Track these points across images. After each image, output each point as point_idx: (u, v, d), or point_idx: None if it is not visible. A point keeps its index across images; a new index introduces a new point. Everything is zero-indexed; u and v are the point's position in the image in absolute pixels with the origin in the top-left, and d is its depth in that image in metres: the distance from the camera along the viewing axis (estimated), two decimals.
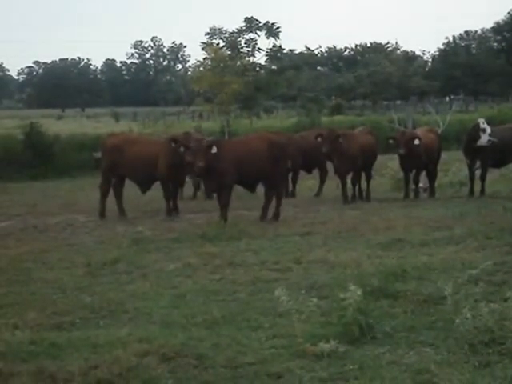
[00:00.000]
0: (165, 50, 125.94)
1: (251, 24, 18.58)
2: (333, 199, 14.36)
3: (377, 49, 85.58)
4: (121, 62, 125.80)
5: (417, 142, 13.81)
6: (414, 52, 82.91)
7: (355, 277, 6.97)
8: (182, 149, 11.71)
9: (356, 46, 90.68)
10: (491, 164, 14.48)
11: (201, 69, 19.49)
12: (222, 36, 18.76)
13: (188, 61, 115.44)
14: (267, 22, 18.59)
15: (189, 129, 17.54)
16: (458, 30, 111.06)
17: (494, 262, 7.35)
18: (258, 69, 19.50)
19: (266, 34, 18.58)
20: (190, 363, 5.22)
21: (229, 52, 18.79)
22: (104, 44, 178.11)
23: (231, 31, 18.76)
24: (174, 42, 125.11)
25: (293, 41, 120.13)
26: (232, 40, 18.67)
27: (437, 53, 78.76)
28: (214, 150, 11.10)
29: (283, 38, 18.79)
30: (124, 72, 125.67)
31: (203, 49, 18.85)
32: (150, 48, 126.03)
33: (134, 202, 13.79)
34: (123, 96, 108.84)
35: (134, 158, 12.65)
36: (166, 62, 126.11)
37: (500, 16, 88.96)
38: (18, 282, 7.94)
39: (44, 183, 20.00)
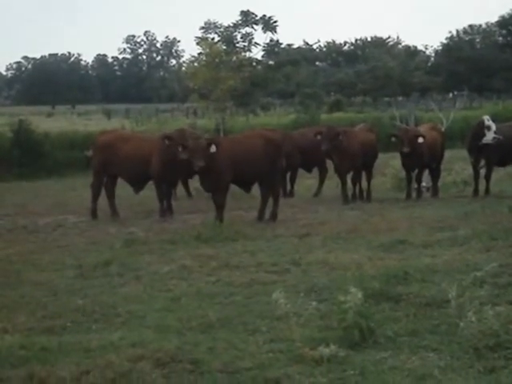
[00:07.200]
0: (158, 44, 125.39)
1: (247, 18, 18.39)
2: (332, 199, 14.21)
3: (377, 43, 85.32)
4: (112, 58, 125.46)
5: (421, 140, 13.61)
6: (416, 47, 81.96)
7: (356, 279, 6.86)
8: (180, 148, 11.26)
9: (356, 40, 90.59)
10: (496, 162, 14.27)
11: (195, 64, 19.26)
12: (218, 30, 18.57)
13: (182, 56, 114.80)
14: (264, 15, 18.45)
15: (183, 126, 17.33)
16: (462, 24, 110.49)
17: (500, 264, 7.26)
18: (254, 64, 19.30)
19: (262, 28, 18.40)
20: (185, 368, 5.13)
21: (224, 47, 18.59)
22: (95, 38, 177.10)
23: (227, 25, 18.59)
24: (167, 37, 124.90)
25: (290, 35, 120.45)
26: (227, 34, 18.46)
27: (440, 47, 77.75)
28: (213, 149, 10.86)
29: (280, 32, 18.61)
30: (116, 68, 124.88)
31: (198, 43, 18.66)
32: (142, 43, 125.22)
33: (127, 202, 13.64)
34: (115, 92, 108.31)
35: (126, 156, 12.44)
36: (159, 58, 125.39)
37: (505, 9, 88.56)
38: (7, 285, 7.81)
39: (33, 182, 19.83)
